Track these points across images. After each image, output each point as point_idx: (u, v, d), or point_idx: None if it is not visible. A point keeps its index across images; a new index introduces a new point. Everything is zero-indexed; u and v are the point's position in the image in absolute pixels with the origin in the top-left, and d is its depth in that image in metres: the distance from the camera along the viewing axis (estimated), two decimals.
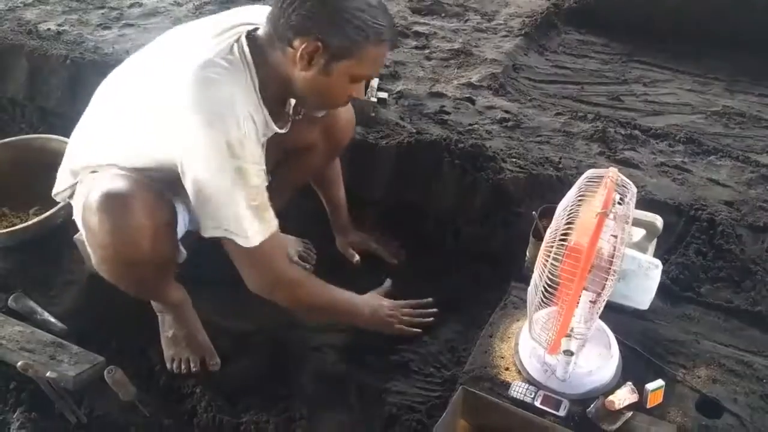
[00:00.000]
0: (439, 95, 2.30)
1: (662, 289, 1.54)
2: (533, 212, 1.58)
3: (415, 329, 1.66)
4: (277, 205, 1.80)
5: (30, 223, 1.83)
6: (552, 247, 1.19)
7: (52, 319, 1.66)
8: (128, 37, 2.55)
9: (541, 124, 2.19)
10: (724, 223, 1.75)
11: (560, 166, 1.94)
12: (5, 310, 1.68)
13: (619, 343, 1.44)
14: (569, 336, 1.25)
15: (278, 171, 1.72)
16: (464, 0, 3.00)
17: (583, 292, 1.21)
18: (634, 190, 1.26)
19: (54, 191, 1.53)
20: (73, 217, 1.47)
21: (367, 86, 2.13)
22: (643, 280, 1.46)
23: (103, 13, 2.76)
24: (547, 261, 1.19)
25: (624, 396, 1.31)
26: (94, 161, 1.42)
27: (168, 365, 1.59)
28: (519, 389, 1.37)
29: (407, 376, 1.58)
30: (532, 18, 2.83)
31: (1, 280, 1.78)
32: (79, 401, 1.48)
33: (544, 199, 1.67)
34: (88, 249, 1.41)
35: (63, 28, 2.60)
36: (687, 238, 1.77)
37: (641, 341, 1.48)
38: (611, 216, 1.18)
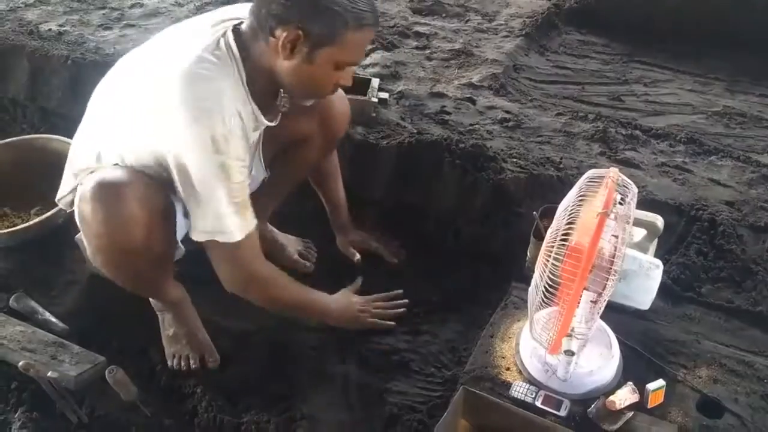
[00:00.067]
0: (440, 95, 2.30)
1: (663, 289, 1.54)
2: (534, 212, 1.58)
3: (388, 322, 1.68)
4: (276, 200, 1.82)
5: (31, 223, 1.83)
6: (553, 247, 1.19)
7: (54, 319, 1.67)
8: (129, 38, 2.55)
9: (541, 125, 2.19)
10: (725, 223, 1.75)
11: (561, 166, 1.94)
12: (7, 310, 1.68)
13: (620, 343, 1.44)
14: (570, 336, 1.25)
15: (276, 165, 1.72)
16: (465, 0, 3.00)
17: (584, 292, 1.21)
18: (635, 190, 1.26)
19: (57, 196, 1.53)
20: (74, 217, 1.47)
21: (367, 86, 2.13)
22: (644, 280, 1.46)
23: (104, 14, 2.76)
24: (548, 261, 1.19)
25: (625, 396, 1.31)
26: (93, 163, 1.42)
27: (168, 362, 1.59)
28: (520, 389, 1.37)
29: (408, 376, 1.58)
30: (533, 18, 2.83)
31: (2, 280, 1.78)
32: (81, 401, 1.48)
33: (545, 199, 1.67)
34: (84, 241, 1.41)
35: (64, 28, 2.61)
36: (688, 238, 1.77)
37: (642, 341, 1.48)
38: (612, 216, 1.18)
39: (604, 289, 1.20)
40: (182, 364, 1.58)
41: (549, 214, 1.38)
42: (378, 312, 1.69)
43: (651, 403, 1.33)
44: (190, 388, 1.53)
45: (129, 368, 1.47)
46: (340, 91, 1.66)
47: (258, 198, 1.67)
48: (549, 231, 1.24)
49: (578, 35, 2.87)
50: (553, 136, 2.13)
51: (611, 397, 1.31)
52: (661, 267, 1.46)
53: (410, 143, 1.98)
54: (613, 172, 1.25)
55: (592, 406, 1.32)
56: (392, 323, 1.69)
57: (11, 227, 1.86)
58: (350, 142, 2.02)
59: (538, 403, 1.34)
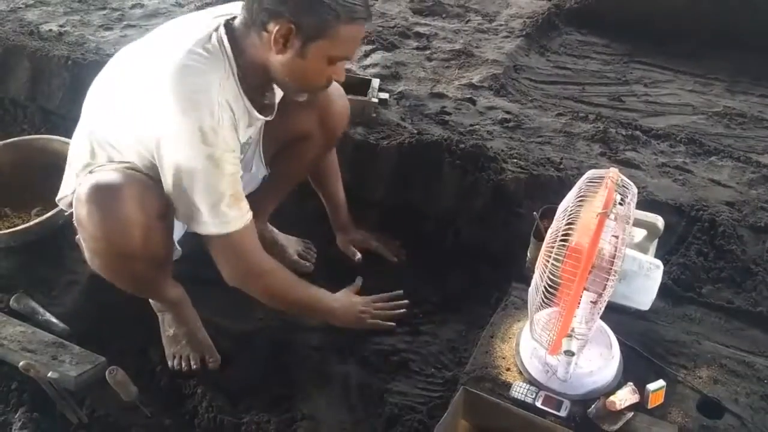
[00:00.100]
0: (440, 96, 2.30)
1: (663, 290, 1.54)
2: (534, 213, 1.58)
3: (388, 323, 1.68)
4: (277, 199, 1.82)
5: (32, 223, 1.83)
6: (553, 247, 1.19)
7: (54, 320, 1.67)
8: (130, 38, 2.55)
9: (542, 125, 2.19)
10: (726, 223, 1.75)
11: (561, 166, 1.94)
12: (7, 311, 1.68)
13: (620, 343, 1.44)
14: (570, 336, 1.25)
15: (276, 163, 1.73)
16: (465, 1, 3.00)
17: (584, 292, 1.21)
18: (635, 190, 1.26)
19: (58, 196, 1.53)
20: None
21: (367, 86, 2.13)
22: (644, 280, 1.46)
23: (104, 14, 2.76)
24: (548, 261, 1.19)
25: (625, 396, 1.31)
26: (91, 161, 1.42)
27: (169, 363, 1.59)
28: (520, 390, 1.37)
29: (408, 377, 1.58)
30: (533, 19, 2.83)
31: (2, 280, 1.78)
32: (81, 401, 1.48)
33: (545, 200, 1.67)
34: (82, 243, 1.41)
35: (65, 29, 2.61)
36: (688, 239, 1.77)
37: (642, 342, 1.48)
38: (612, 216, 1.18)
39: (604, 290, 1.20)
40: (183, 364, 1.58)
41: (549, 215, 1.38)
42: (379, 313, 1.69)
43: (651, 404, 1.33)
44: (190, 388, 1.53)
45: (129, 369, 1.47)
46: (340, 89, 1.66)
47: (258, 197, 1.68)
48: (549, 231, 1.24)
49: (578, 36, 2.87)
50: (554, 136, 2.13)
51: (611, 398, 1.31)
52: (662, 267, 1.46)
53: (410, 144, 1.98)
54: (613, 173, 1.25)
55: (593, 406, 1.32)
56: (393, 324, 1.68)
57: (11, 228, 1.85)
58: (351, 143, 2.02)
59: (539, 404, 1.34)
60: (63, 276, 1.80)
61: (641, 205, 1.60)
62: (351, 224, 1.94)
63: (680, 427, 1.31)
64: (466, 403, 1.36)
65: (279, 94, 1.52)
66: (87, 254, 1.41)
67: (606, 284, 1.19)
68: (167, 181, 1.31)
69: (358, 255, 1.90)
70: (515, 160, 1.95)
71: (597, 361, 1.38)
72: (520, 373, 1.42)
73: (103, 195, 1.30)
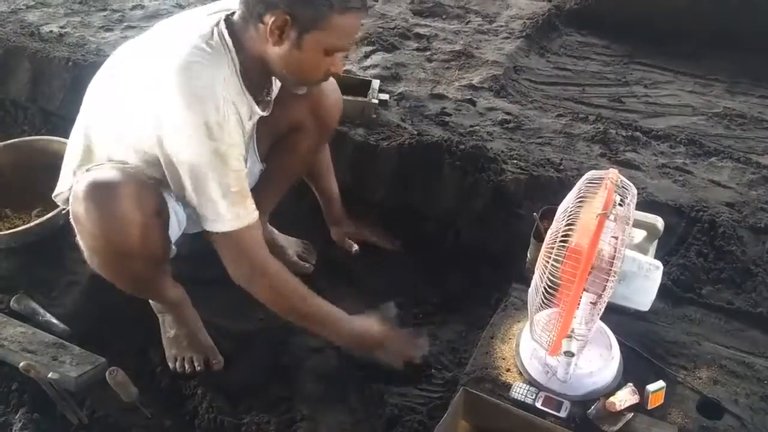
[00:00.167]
0: (440, 97, 2.30)
1: (663, 291, 1.54)
2: (534, 213, 1.58)
3: (398, 362, 1.55)
4: (275, 197, 1.81)
5: (32, 224, 1.84)
6: (553, 248, 1.20)
7: (54, 320, 1.67)
8: (130, 39, 2.56)
9: (542, 126, 2.19)
10: (725, 224, 1.75)
11: (561, 167, 1.94)
12: (7, 311, 1.68)
13: (620, 344, 1.44)
14: (570, 337, 1.25)
15: (270, 157, 1.72)
16: (465, 2, 3.01)
17: (584, 293, 1.21)
18: (635, 191, 1.27)
19: (54, 192, 1.53)
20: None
21: (368, 87, 2.14)
22: (643, 281, 1.46)
23: (105, 16, 2.77)
24: (547, 262, 1.19)
25: (625, 397, 1.31)
26: (89, 159, 1.42)
27: (171, 365, 1.59)
28: (520, 390, 1.37)
29: (408, 377, 1.58)
30: (533, 20, 2.84)
31: (3, 281, 1.78)
32: (81, 402, 1.48)
33: (545, 201, 1.67)
34: (80, 242, 1.41)
35: (65, 30, 2.61)
36: (688, 240, 1.77)
37: (642, 342, 1.48)
38: (612, 217, 1.18)
39: (603, 291, 1.20)
40: (186, 367, 1.57)
41: (549, 216, 1.38)
42: (395, 354, 1.55)
43: (651, 405, 1.33)
44: (190, 389, 1.53)
45: (129, 369, 1.47)
46: (333, 81, 1.65)
47: (256, 196, 1.67)
48: (549, 232, 1.24)
49: (578, 37, 2.87)
50: (554, 137, 2.14)
51: (611, 399, 1.31)
52: (661, 268, 1.46)
53: (411, 145, 1.98)
54: (613, 174, 1.25)
55: (592, 407, 1.32)
56: (399, 364, 1.56)
57: (12, 228, 1.86)
58: (351, 144, 2.02)
59: (538, 405, 1.34)
60: (63, 277, 1.80)
61: (641, 205, 1.60)
62: (345, 217, 1.94)
63: (680, 428, 1.31)
64: (466, 403, 1.36)
65: (276, 90, 1.52)
66: (85, 253, 1.41)
67: (606, 285, 1.20)
68: (173, 178, 1.31)
69: (355, 246, 1.91)
70: (515, 161, 1.95)
71: (597, 362, 1.38)
72: (520, 373, 1.42)
73: (100, 193, 1.30)
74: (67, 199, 1.46)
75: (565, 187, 1.62)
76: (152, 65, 1.30)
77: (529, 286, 1.29)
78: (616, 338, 1.44)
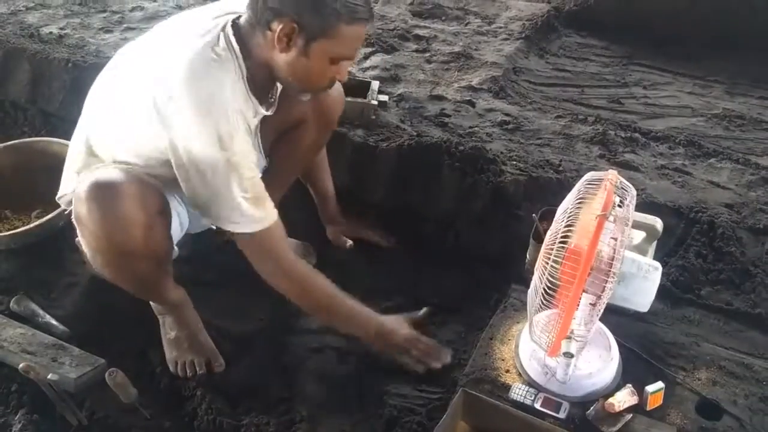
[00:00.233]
0: (440, 98, 2.30)
1: (662, 292, 1.54)
2: (533, 215, 1.58)
3: (420, 365, 1.55)
4: (277, 193, 1.80)
5: (32, 225, 1.84)
6: (552, 249, 1.20)
7: (54, 322, 1.67)
8: (130, 41, 2.55)
9: (541, 127, 2.19)
10: (724, 225, 1.75)
11: (560, 168, 1.94)
12: (7, 313, 1.68)
13: (619, 345, 1.44)
14: (569, 338, 1.25)
15: (274, 153, 1.73)
16: (465, 3, 3.01)
17: (583, 294, 1.21)
18: (634, 192, 1.27)
19: (58, 195, 1.53)
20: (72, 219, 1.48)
21: (367, 89, 2.14)
22: (642, 282, 1.46)
23: (104, 17, 2.77)
24: (547, 263, 1.20)
25: (624, 398, 1.31)
26: (92, 161, 1.43)
27: (171, 368, 1.58)
28: (519, 391, 1.37)
29: (408, 378, 1.58)
30: (533, 21, 2.84)
31: (3, 282, 1.78)
32: (81, 403, 1.48)
33: (545, 202, 1.67)
34: (82, 243, 1.41)
35: (65, 31, 2.61)
36: (687, 241, 1.77)
37: (641, 343, 1.48)
38: (611, 218, 1.18)
39: (603, 292, 1.21)
40: (187, 370, 1.56)
41: (548, 217, 1.38)
42: (419, 355, 1.55)
43: (650, 406, 1.33)
44: (189, 390, 1.53)
45: (129, 371, 1.46)
46: None
47: None
48: (548, 233, 1.24)
49: (578, 38, 2.87)
50: (553, 138, 2.14)
51: (610, 400, 1.31)
52: (660, 269, 1.46)
53: (410, 146, 1.98)
54: (612, 175, 1.25)
55: (591, 408, 1.33)
56: (421, 369, 1.56)
57: (12, 230, 1.86)
58: (350, 145, 2.03)
59: (538, 406, 1.34)
60: (63, 278, 1.80)
61: (640, 207, 1.60)
62: (339, 215, 1.95)
63: (679, 429, 1.31)
64: (465, 404, 1.36)
65: (279, 89, 1.52)
66: (88, 253, 1.41)
67: (605, 286, 1.20)
68: (189, 184, 1.31)
69: (350, 242, 1.92)
70: (514, 162, 1.95)
71: (596, 363, 1.38)
72: (519, 374, 1.42)
73: (103, 193, 1.30)
74: (71, 201, 1.46)
75: (565, 188, 1.62)
76: (157, 71, 1.30)
77: (528, 287, 1.29)
78: (616, 339, 1.44)
